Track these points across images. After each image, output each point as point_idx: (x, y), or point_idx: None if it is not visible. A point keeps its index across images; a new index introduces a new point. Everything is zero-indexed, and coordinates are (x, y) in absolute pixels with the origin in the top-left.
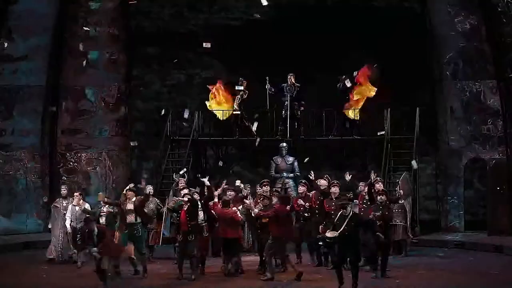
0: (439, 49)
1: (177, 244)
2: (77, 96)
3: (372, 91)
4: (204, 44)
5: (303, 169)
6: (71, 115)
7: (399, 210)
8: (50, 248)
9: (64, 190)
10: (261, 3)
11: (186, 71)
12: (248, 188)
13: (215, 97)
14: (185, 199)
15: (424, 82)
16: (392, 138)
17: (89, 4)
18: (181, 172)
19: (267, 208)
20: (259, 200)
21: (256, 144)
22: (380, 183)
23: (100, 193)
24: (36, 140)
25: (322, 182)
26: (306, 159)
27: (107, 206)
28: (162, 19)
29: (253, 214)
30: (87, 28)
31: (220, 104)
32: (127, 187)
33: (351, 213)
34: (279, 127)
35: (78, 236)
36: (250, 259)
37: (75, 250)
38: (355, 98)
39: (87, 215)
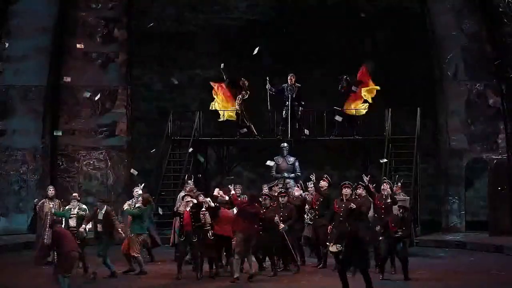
0: (440, 49)
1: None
2: (77, 96)
3: (375, 90)
4: None
5: (305, 169)
6: (71, 115)
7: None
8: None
9: (51, 191)
10: (262, 3)
11: (186, 71)
12: (238, 189)
13: (216, 95)
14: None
15: (425, 82)
16: (393, 138)
17: (89, 4)
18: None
19: (268, 209)
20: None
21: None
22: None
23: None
24: (36, 140)
25: (322, 183)
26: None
27: (77, 208)
28: (162, 19)
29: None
30: (88, 27)
31: (220, 104)
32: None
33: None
34: (280, 127)
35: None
36: None
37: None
38: (364, 98)
39: (54, 217)
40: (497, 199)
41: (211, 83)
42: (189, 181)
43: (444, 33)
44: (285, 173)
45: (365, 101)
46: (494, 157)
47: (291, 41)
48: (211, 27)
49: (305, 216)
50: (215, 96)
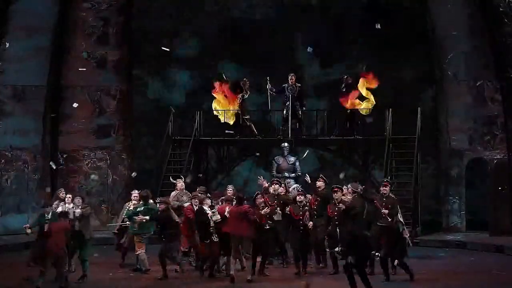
0: (440, 49)
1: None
2: (78, 96)
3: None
4: None
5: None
6: (72, 115)
7: None
8: None
9: (62, 193)
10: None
11: (187, 70)
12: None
13: (217, 94)
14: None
15: (426, 82)
16: (393, 138)
17: (89, 4)
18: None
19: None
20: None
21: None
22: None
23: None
24: (37, 140)
25: (319, 184)
26: (306, 153)
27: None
28: (163, 19)
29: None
30: (88, 27)
31: (220, 103)
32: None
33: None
34: (280, 127)
35: None
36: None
37: None
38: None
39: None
40: (497, 199)
41: (214, 83)
42: (180, 180)
43: (445, 33)
44: (285, 173)
45: (362, 97)
46: (494, 157)
47: (292, 41)
48: (212, 26)
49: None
50: (215, 95)
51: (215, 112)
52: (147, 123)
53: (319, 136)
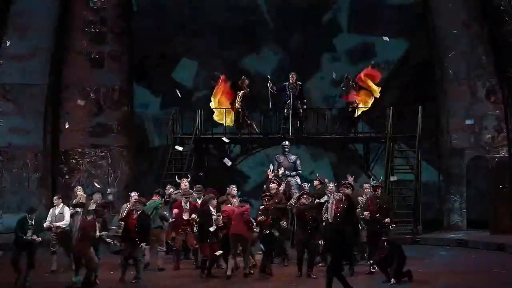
0: (441, 48)
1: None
2: (79, 95)
3: (377, 92)
4: None
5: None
6: (73, 113)
7: None
8: None
9: (79, 191)
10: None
11: (188, 69)
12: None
13: (216, 88)
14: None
15: (426, 81)
16: (394, 137)
17: (90, 3)
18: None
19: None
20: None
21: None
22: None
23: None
24: (38, 138)
25: (315, 183)
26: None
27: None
28: (163, 17)
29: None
30: (88, 27)
31: (217, 98)
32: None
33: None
34: (281, 126)
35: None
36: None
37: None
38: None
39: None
40: (498, 197)
41: (215, 79)
42: (184, 179)
43: (445, 32)
44: (286, 172)
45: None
46: (495, 155)
47: (292, 39)
48: (213, 24)
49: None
50: (216, 93)
51: (215, 114)
52: (148, 121)
53: (319, 134)
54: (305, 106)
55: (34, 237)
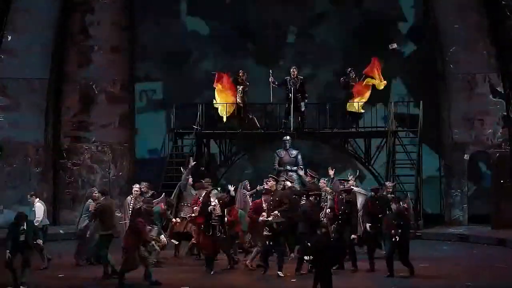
0: (442, 43)
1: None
2: (80, 89)
3: (382, 85)
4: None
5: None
6: (74, 108)
7: None
8: None
9: (95, 193)
10: None
11: (190, 63)
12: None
13: (217, 84)
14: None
15: (428, 75)
16: (395, 131)
17: None
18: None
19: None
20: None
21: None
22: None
23: None
24: (39, 133)
25: (307, 178)
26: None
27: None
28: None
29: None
30: (89, 21)
31: (220, 94)
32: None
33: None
34: (283, 120)
35: None
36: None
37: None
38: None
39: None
40: (499, 192)
41: (216, 73)
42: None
43: (447, 26)
44: (287, 166)
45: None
46: (496, 150)
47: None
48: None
49: None
50: (215, 87)
51: (216, 105)
52: (150, 116)
53: (321, 129)
54: (306, 101)
55: (39, 241)
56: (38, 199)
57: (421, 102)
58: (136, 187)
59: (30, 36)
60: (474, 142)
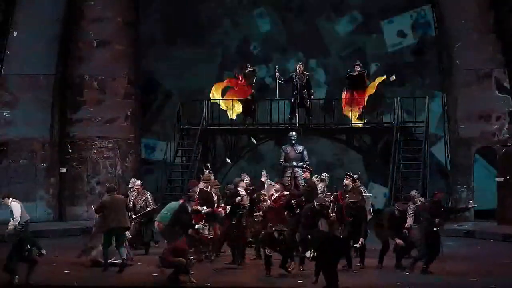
0: (449, 38)
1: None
2: (86, 86)
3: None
4: None
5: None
6: (80, 104)
7: None
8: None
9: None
10: None
11: (195, 60)
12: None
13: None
14: None
15: (434, 70)
16: (401, 127)
17: None
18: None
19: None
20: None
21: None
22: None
23: None
24: (45, 129)
25: (305, 175)
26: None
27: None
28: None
29: None
30: (96, 16)
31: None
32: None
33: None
34: (288, 116)
35: None
36: None
37: None
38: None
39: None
40: (505, 188)
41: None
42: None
43: (453, 21)
44: (293, 162)
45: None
46: (502, 146)
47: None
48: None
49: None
50: (224, 86)
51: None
52: (156, 112)
53: (326, 125)
54: (312, 97)
55: (43, 251)
56: (11, 199)
57: (427, 97)
58: (132, 182)
59: (36, 32)
60: (480, 138)
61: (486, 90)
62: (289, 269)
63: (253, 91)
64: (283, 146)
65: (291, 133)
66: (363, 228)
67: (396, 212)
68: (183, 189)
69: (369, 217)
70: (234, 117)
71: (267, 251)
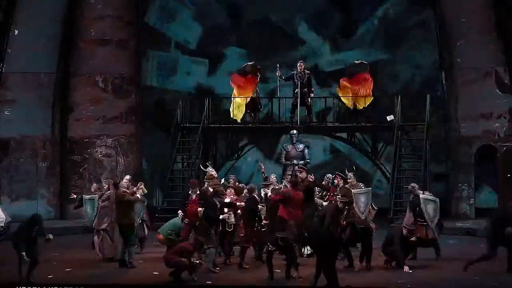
0: (449, 36)
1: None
2: (87, 83)
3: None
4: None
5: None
6: (81, 102)
7: None
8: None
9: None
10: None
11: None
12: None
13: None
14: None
15: (435, 69)
16: (402, 126)
17: None
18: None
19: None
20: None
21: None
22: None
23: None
24: (46, 127)
25: (300, 174)
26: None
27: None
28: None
29: None
30: (96, 15)
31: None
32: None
33: None
34: (290, 114)
35: None
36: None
37: None
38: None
39: None
40: (506, 186)
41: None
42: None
43: (454, 20)
44: (294, 160)
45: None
46: (503, 144)
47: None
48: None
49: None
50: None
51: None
52: (156, 110)
53: (327, 123)
54: (312, 95)
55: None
56: None
57: (427, 96)
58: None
59: (36, 31)
60: (481, 136)
61: (487, 89)
62: (294, 275)
63: (257, 89)
64: (284, 145)
65: (292, 131)
66: (369, 249)
67: (405, 232)
68: (184, 187)
69: (373, 212)
70: (239, 120)
71: (270, 246)
